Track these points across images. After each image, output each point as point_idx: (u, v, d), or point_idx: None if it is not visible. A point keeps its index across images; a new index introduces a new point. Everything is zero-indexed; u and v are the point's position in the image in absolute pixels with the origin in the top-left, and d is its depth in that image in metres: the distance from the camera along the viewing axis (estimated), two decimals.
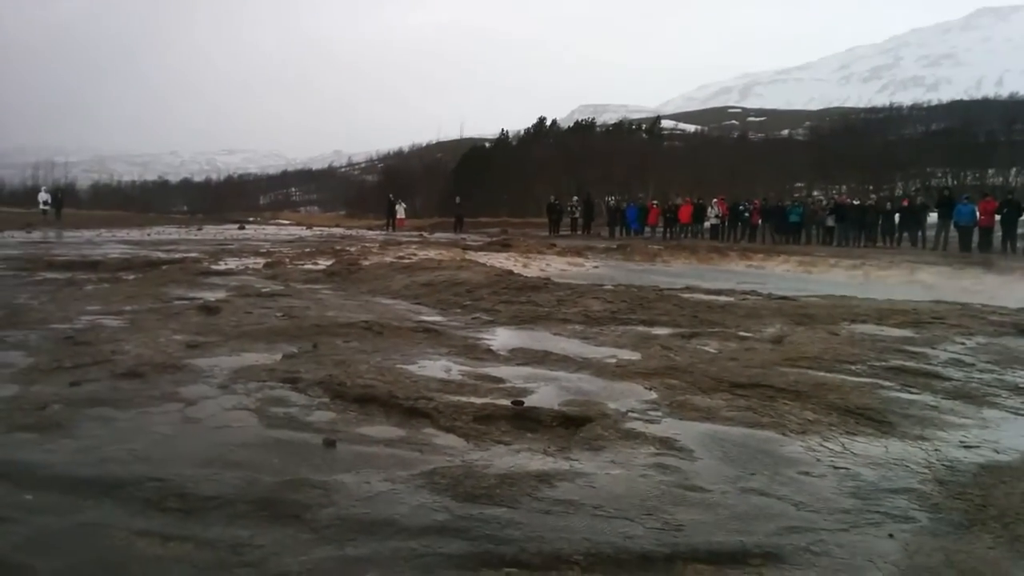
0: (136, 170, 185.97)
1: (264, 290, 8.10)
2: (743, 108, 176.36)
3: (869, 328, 6.13)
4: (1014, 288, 11.56)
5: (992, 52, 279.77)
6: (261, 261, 11.92)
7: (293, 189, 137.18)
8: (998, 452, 3.06)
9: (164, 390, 3.76)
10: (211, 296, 7.38)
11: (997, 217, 19.11)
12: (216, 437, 3.09)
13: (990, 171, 58.02)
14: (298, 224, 42.12)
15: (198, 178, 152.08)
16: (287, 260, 12.19)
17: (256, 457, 2.85)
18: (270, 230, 30.00)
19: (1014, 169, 58.05)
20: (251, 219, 48.11)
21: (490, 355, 4.89)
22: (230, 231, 26.70)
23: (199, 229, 27.36)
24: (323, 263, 11.65)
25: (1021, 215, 18.81)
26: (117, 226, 27.70)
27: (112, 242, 17.20)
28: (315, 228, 33.46)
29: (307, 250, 14.69)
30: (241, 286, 8.50)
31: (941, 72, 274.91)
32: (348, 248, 15.16)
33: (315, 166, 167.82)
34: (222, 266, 11.17)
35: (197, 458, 2.81)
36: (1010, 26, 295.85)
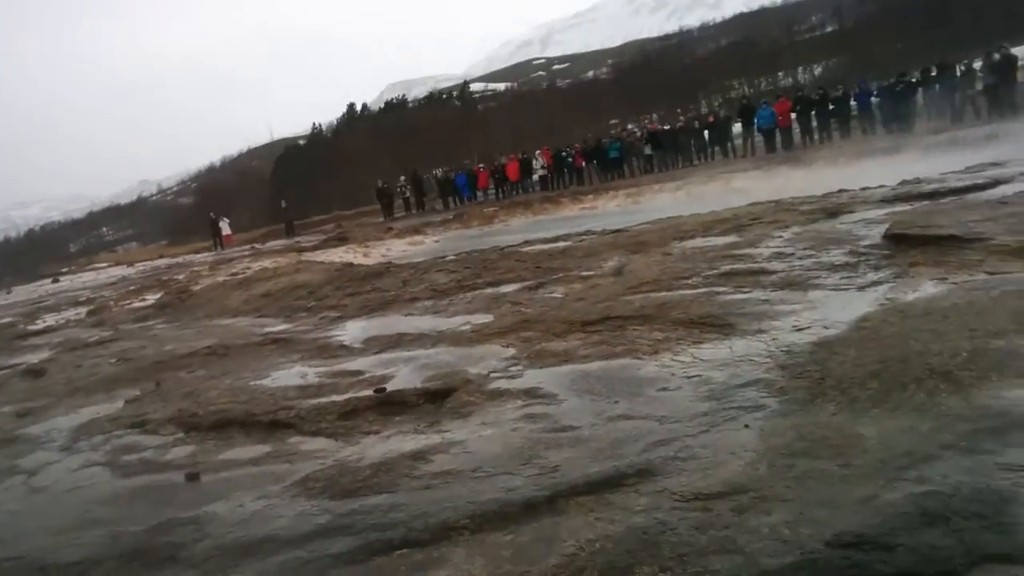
0: None
1: (92, 339, 7.52)
2: (547, 58, 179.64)
3: (698, 242, 6.46)
4: (818, 177, 12.55)
5: None
6: (83, 310, 11.06)
7: (105, 229, 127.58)
8: (827, 328, 3.32)
9: (0, 466, 3.44)
10: (33, 358, 6.81)
11: (793, 115, 20.61)
12: (69, 500, 2.88)
13: (780, 74, 62.49)
14: (118, 264, 39.32)
15: None
16: (112, 303, 11.38)
17: (116, 510, 2.67)
18: (88, 276, 27.80)
19: (800, 68, 62.81)
20: (64, 270, 44.42)
21: (344, 350, 4.78)
22: (44, 287, 24.53)
23: (8, 292, 24.97)
24: (151, 297, 10.96)
25: (812, 109, 20.36)
26: None
27: None
28: (137, 264, 31.34)
29: (132, 288, 13.75)
30: (65, 340, 7.86)
31: None
32: (176, 276, 14.33)
33: (123, 200, 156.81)
34: (40, 325, 10.31)
35: (52, 526, 2.61)
36: None
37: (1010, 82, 16.34)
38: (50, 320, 10.73)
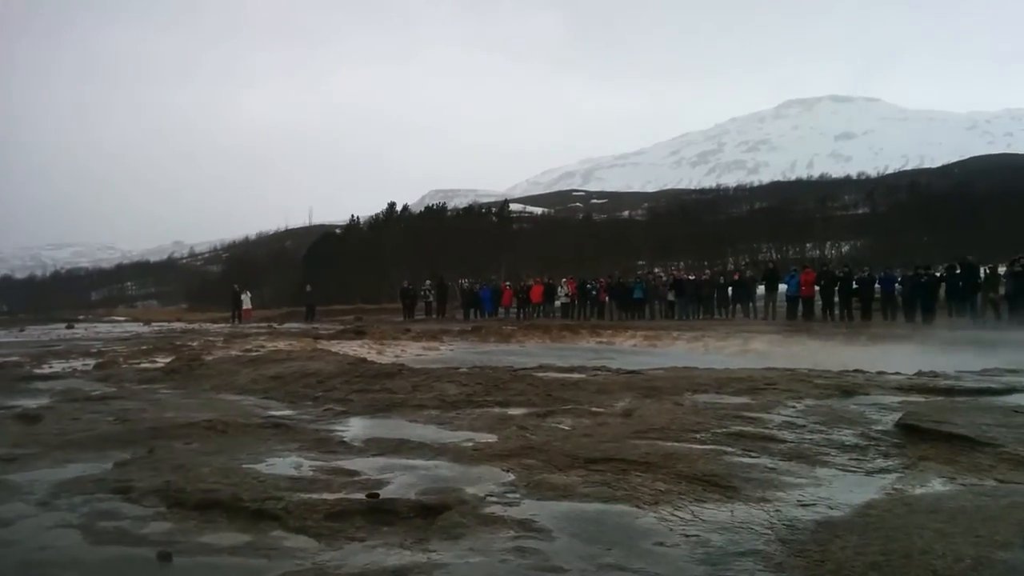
0: None
1: (94, 393, 7.52)
2: (586, 191, 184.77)
3: (710, 397, 6.44)
4: (835, 352, 12.59)
5: (801, 138, 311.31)
6: (92, 362, 11.10)
7: (129, 283, 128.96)
8: (831, 508, 3.26)
9: None
10: (32, 403, 6.77)
11: (817, 288, 20.90)
12: (35, 558, 2.81)
13: (808, 245, 63.66)
14: (135, 320, 39.65)
15: (20, 275, 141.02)
16: (121, 359, 11.42)
17: None
18: (103, 328, 28.03)
19: (828, 243, 64.01)
20: (81, 317, 44.82)
21: (343, 447, 4.74)
22: (57, 331, 24.70)
23: (21, 330, 25.14)
24: (162, 360, 11.00)
25: (836, 285, 20.65)
26: None
27: None
28: (154, 324, 31.59)
29: (144, 347, 13.82)
30: (68, 390, 7.85)
31: (760, 156, 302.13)
32: (190, 343, 14.42)
33: (153, 258, 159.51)
34: (46, 369, 10.32)
35: None
36: (814, 115, 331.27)
37: None
38: (57, 366, 10.75)
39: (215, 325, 28.43)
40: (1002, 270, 18.03)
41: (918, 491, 3.50)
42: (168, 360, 10.82)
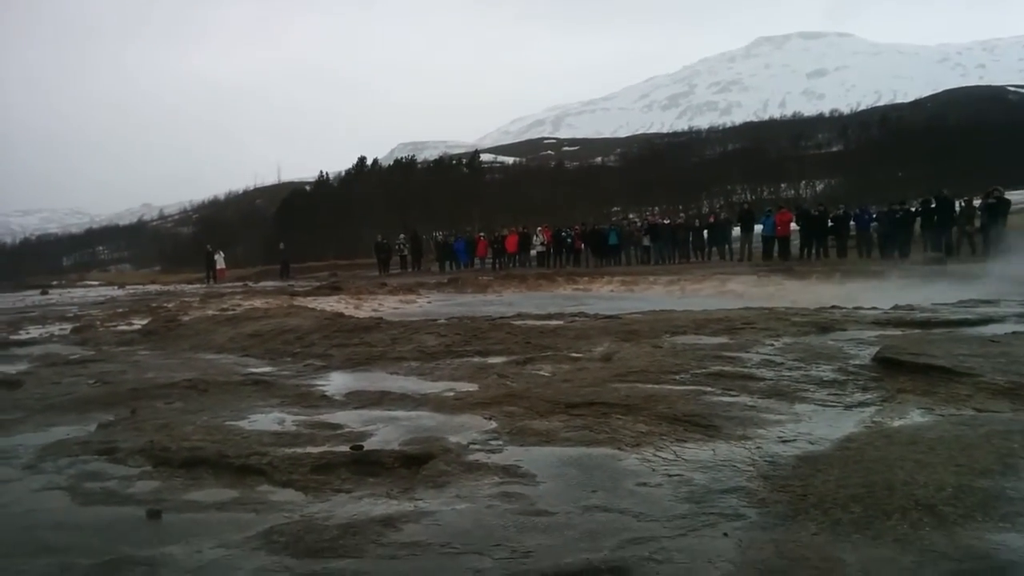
0: None
1: (73, 357, 7.42)
2: (556, 139, 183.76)
3: (689, 338, 6.48)
4: (811, 290, 12.71)
5: (773, 77, 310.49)
6: (68, 326, 10.94)
7: (100, 248, 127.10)
8: (812, 443, 3.30)
9: None
10: (11, 369, 6.67)
11: (793, 227, 21.03)
12: (22, 522, 2.78)
13: (783, 185, 64.01)
14: (109, 284, 39.09)
15: None
16: (98, 323, 11.26)
17: (70, 539, 2.58)
18: (77, 293, 27.59)
19: (803, 181, 64.40)
20: (54, 283, 44.11)
21: (325, 401, 4.73)
22: (31, 297, 24.27)
23: None
24: (138, 322, 10.87)
25: (812, 223, 20.78)
26: None
27: None
28: (128, 287, 31.17)
29: (120, 310, 13.63)
30: (46, 355, 7.74)
31: (731, 97, 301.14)
32: (166, 304, 14.24)
33: (123, 222, 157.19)
34: (23, 335, 10.15)
35: (1, 548, 2.51)
36: (786, 53, 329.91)
37: (1001, 224, 16.75)
38: (34, 332, 10.59)
39: (190, 286, 28.14)
40: (977, 202, 18.21)
41: (897, 423, 3.55)
42: (145, 322, 10.69)
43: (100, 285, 38.63)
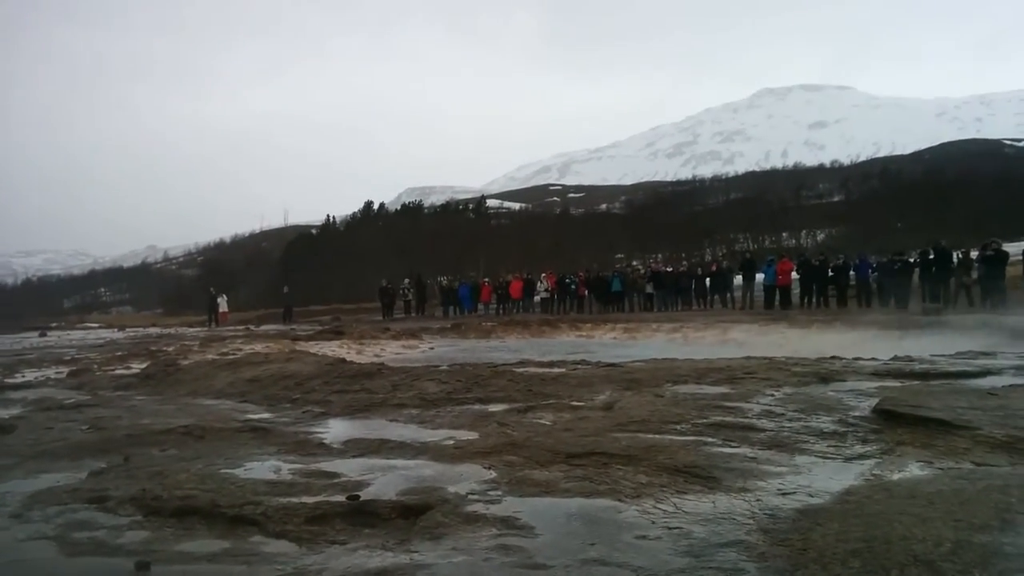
0: None
1: (68, 401, 7.41)
2: (563, 185, 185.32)
3: (690, 388, 6.46)
4: (812, 340, 12.69)
5: (775, 128, 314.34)
6: (65, 369, 10.94)
7: (102, 289, 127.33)
8: (812, 496, 3.27)
9: None
10: (4, 413, 6.65)
11: (794, 276, 21.08)
12: (7, 573, 2.75)
13: (784, 234, 64.30)
14: (109, 326, 39.15)
15: None
16: (95, 366, 11.27)
17: None
18: (76, 335, 27.68)
19: (804, 231, 64.72)
20: (54, 324, 44.20)
21: (323, 449, 4.70)
22: (29, 339, 24.34)
23: None
24: (137, 366, 10.87)
25: (813, 273, 20.83)
26: None
27: None
28: (128, 329, 31.23)
29: (118, 353, 13.64)
30: (41, 399, 7.73)
31: (734, 147, 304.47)
32: (165, 348, 14.24)
33: (127, 263, 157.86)
34: (18, 378, 10.15)
35: None
36: (787, 104, 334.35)
37: (1000, 277, 16.77)
38: (29, 375, 10.59)
39: (191, 329, 28.17)
40: (974, 254, 18.26)
41: (896, 476, 3.52)
42: (143, 366, 10.69)
43: (100, 327, 38.73)
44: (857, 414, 4.90)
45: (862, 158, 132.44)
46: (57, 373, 10.66)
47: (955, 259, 18.51)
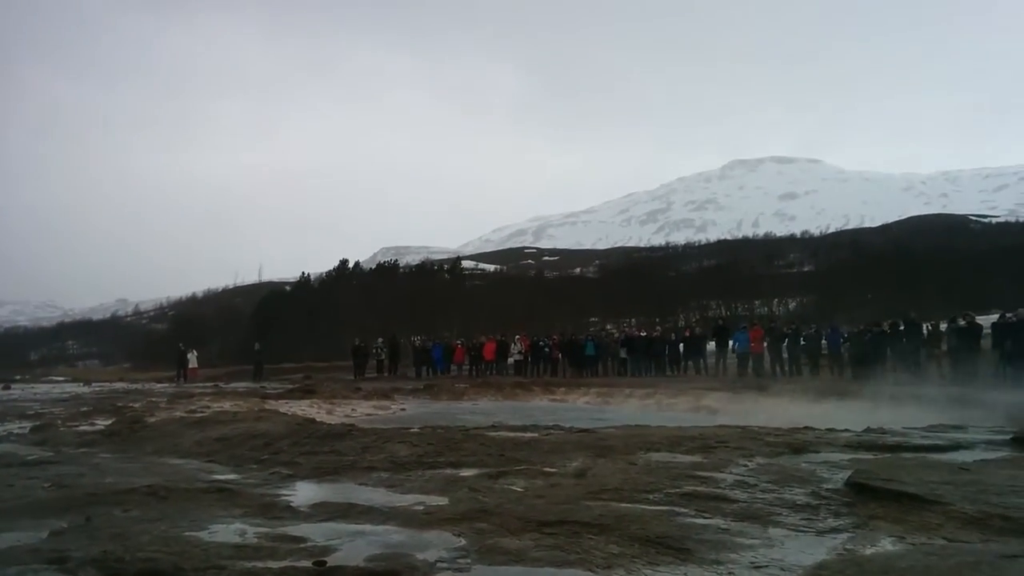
0: None
1: (30, 458, 7.22)
2: (537, 248, 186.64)
3: (663, 456, 6.44)
4: (784, 409, 12.75)
5: (747, 198, 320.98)
6: (28, 424, 10.69)
7: (70, 342, 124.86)
8: (784, 570, 3.26)
9: None
10: None
11: (765, 344, 21.25)
12: None
13: (756, 302, 65.02)
14: (75, 380, 38.35)
15: None
16: (59, 422, 11.03)
17: None
18: (41, 388, 27.06)
19: (776, 299, 65.50)
20: (18, 377, 43.20)
21: (289, 512, 4.61)
22: None
23: None
24: (102, 422, 10.64)
25: (784, 341, 21.04)
26: None
27: None
28: (95, 384, 30.61)
29: (83, 409, 13.36)
30: (2, 455, 7.54)
31: (707, 215, 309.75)
32: (132, 404, 13.96)
33: (96, 316, 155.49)
34: None
35: None
36: (758, 176, 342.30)
37: (975, 349, 17.01)
38: None
39: (159, 385, 27.68)
40: (943, 327, 18.56)
41: (869, 551, 3.52)
42: (108, 422, 10.47)
43: (65, 381, 37.91)
44: (830, 486, 4.90)
45: (832, 229, 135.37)
46: (20, 428, 10.41)
47: (925, 331, 18.82)
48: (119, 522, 4.30)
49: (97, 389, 24.82)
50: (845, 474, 5.10)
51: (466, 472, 5.94)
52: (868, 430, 7.91)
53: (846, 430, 7.99)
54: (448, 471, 6.01)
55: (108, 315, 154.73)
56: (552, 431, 8.67)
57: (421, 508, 4.62)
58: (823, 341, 20.77)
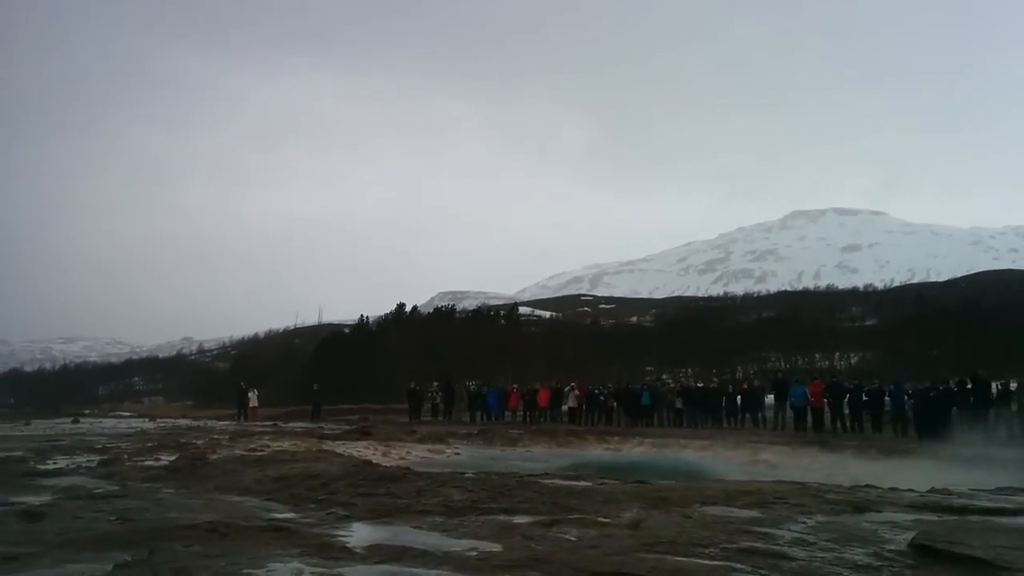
0: None
1: (97, 491, 7.48)
2: (594, 296, 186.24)
3: (719, 510, 6.34)
4: (845, 466, 12.39)
5: (807, 249, 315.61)
6: (96, 458, 11.04)
7: (136, 379, 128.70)
8: None
9: None
10: (35, 500, 6.75)
11: (825, 400, 20.66)
12: None
13: (817, 355, 63.43)
14: (140, 416, 39.46)
15: (29, 368, 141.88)
16: (125, 456, 11.36)
17: None
18: (108, 423, 27.93)
19: (837, 353, 63.79)
20: (87, 411, 44.66)
21: (345, 553, 4.67)
22: (63, 425, 24.61)
23: (26, 424, 25.06)
24: (166, 458, 10.94)
25: (845, 397, 20.44)
26: None
27: None
28: (159, 420, 31.44)
29: (149, 444, 13.74)
30: (71, 487, 7.82)
31: (766, 266, 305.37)
32: (195, 441, 14.31)
33: (162, 354, 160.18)
34: (50, 465, 10.27)
35: None
36: (819, 227, 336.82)
37: None
38: (61, 462, 10.71)
39: (220, 422, 28.26)
40: (1014, 386, 17.84)
41: None
42: (172, 458, 10.76)
43: (131, 416, 39.02)
44: (893, 547, 4.77)
45: (896, 283, 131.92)
46: (88, 461, 10.75)
47: (994, 390, 18.10)
48: (181, 557, 4.43)
49: (161, 425, 25.49)
50: (909, 535, 4.96)
51: (519, 519, 5.94)
52: (933, 490, 7.64)
53: (910, 490, 7.74)
54: (502, 517, 6.02)
55: (174, 353, 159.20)
56: (607, 480, 8.60)
57: (475, 554, 4.64)
58: (886, 397, 20.09)
